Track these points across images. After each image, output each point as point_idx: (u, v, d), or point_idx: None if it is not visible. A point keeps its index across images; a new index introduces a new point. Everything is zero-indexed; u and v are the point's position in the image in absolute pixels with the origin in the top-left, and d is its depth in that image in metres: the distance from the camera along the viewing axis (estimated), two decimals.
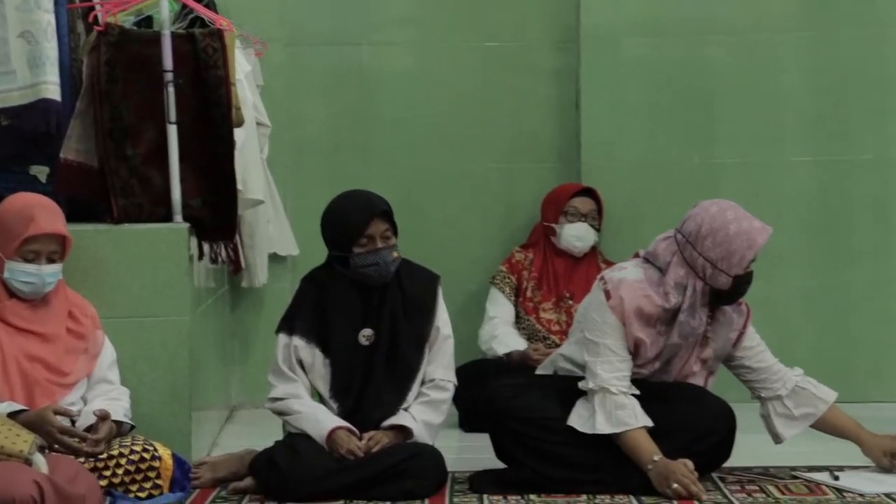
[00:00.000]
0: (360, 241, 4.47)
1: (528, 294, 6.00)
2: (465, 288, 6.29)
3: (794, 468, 4.65)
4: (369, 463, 4.35)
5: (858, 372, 6.22)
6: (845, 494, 4.29)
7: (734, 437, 4.45)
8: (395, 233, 4.53)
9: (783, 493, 4.32)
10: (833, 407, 4.54)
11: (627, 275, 4.45)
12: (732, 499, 4.27)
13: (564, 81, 6.32)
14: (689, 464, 4.30)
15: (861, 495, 4.29)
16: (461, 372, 5.60)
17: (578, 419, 4.40)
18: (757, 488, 4.39)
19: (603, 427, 4.35)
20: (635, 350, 4.42)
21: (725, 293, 4.41)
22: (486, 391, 4.59)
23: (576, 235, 5.99)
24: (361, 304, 4.52)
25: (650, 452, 4.31)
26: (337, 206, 4.55)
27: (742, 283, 4.41)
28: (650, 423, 4.36)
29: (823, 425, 4.58)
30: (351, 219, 4.49)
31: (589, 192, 6.07)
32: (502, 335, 5.92)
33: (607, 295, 4.40)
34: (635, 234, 5.99)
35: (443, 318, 4.58)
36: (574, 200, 6.01)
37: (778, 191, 6.22)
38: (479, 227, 6.36)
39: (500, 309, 6.00)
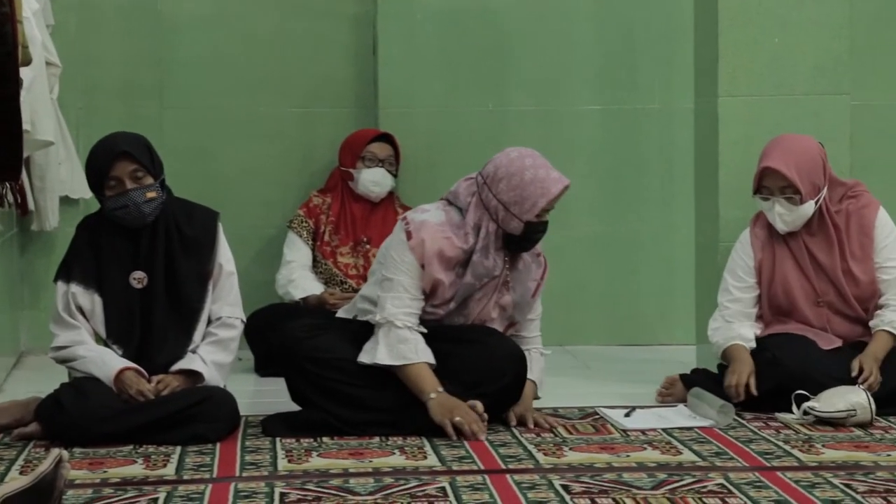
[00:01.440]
0: (109, 183, 4.42)
1: (326, 238, 6.01)
2: (263, 232, 6.28)
3: (593, 407, 4.76)
4: (159, 405, 4.31)
5: (645, 316, 6.38)
6: (630, 434, 4.40)
7: (524, 379, 4.52)
8: (154, 172, 4.45)
9: (570, 433, 4.40)
10: (530, 384, 4.58)
11: (430, 217, 4.47)
12: (521, 438, 4.33)
13: (362, 27, 6.33)
14: (479, 405, 4.36)
15: (643, 432, 4.41)
16: (258, 316, 5.66)
17: (364, 353, 4.44)
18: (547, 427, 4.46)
19: (384, 358, 4.38)
20: (432, 291, 4.46)
21: (517, 238, 4.47)
22: (281, 332, 4.58)
23: (373, 180, 6.01)
24: (131, 246, 4.47)
25: (432, 385, 4.36)
26: (90, 151, 4.50)
27: (534, 230, 4.46)
28: (432, 360, 4.40)
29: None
30: (96, 162, 4.44)
31: (386, 138, 6.09)
32: (299, 279, 5.92)
33: (408, 235, 4.43)
34: (432, 179, 6.05)
35: (225, 255, 4.54)
36: (371, 146, 6.03)
37: (569, 138, 6.32)
38: (276, 171, 6.33)
39: (297, 253, 6.00)
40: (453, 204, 4.53)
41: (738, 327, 4.83)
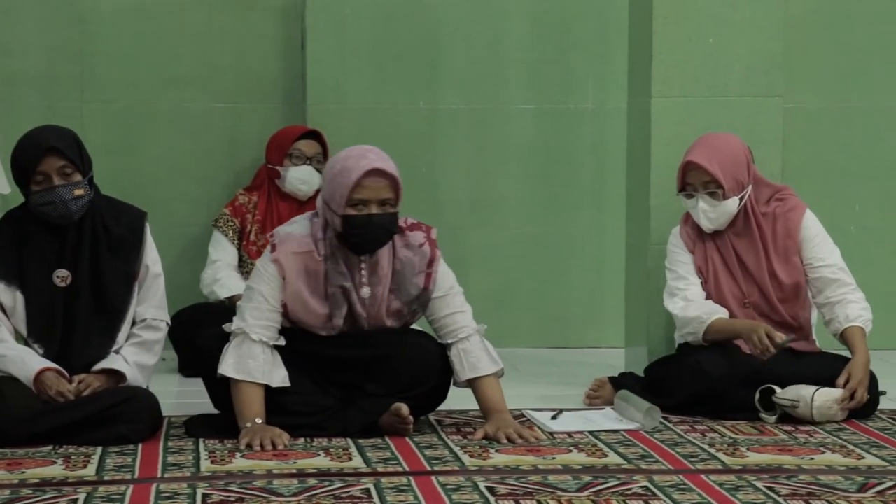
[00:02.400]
0: (36, 178, 4.33)
1: (252, 237, 5.95)
2: (188, 231, 6.21)
3: (521, 410, 4.72)
4: (80, 405, 4.24)
5: (575, 318, 6.38)
6: (555, 435, 4.38)
7: (449, 380, 4.47)
8: (83, 169, 4.36)
9: None
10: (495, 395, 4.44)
11: (294, 229, 4.37)
12: (447, 439, 4.31)
13: (290, 20, 6.27)
14: (404, 409, 4.30)
15: (570, 434, 4.39)
16: (182, 316, 5.59)
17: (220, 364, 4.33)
18: (472, 430, 4.42)
19: (228, 370, 4.28)
20: (308, 312, 4.33)
21: (344, 237, 4.31)
22: (196, 342, 4.51)
23: (300, 178, 5.95)
24: (56, 243, 4.39)
25: (255, 413, 4.24)
26: (18, 143, 4.40)
27: (353, 224, 4.26)
28: (276, 384, 4.29)
29: (477, 389, 4.47)
30: (24, 156, 4.35)
31: (314, 135, 6.03)
32: (224, 279, 5.87)
33: (272, 248, 4.33)
34: None
35: (152, 256, 4.48)
36: (299, 143, 5.97)
37: (501, 138, 6.31)
38: (201, 168, 6.27)
39: (222, 252, 5.94)
40: (318, 214, 4.39)
41: (706, 304, 4.76)
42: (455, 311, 4.45)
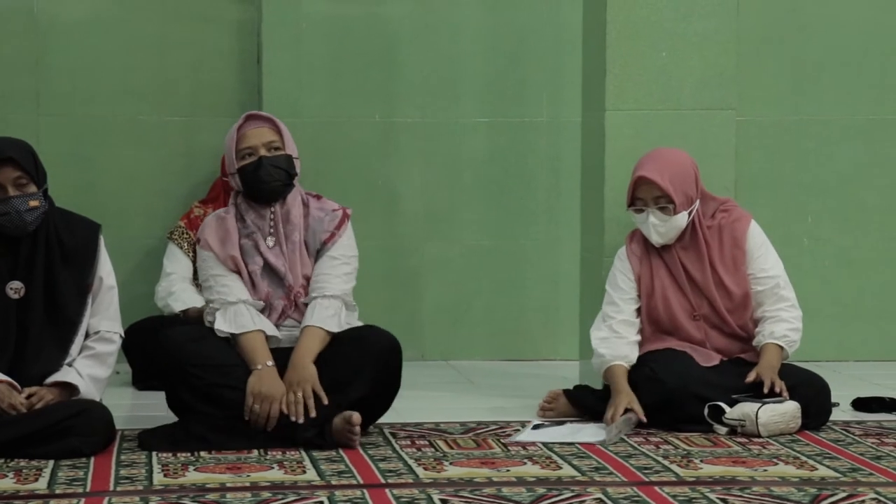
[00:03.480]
0: None
1: None
2: (143, 243, 6.19)
3: (477, 422, 4.74)
4: (32, 419, 4.22)
5: (530, 330, 6.38)
6: (510, 448, 4.37)
7: (399, 370, 4.52)
8: (38, 181, 4.36)
9: (451, 448, 4.38)
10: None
11: (212, 215, 4.65)
12: (401, 452, 4.30)
13: (246, 34, 6.26)
14: (355, 417, 4.31)
15: (525, 447, 4.38)
16: (137, 329, 5.56)
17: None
18: (427, 443, 4.43)
19: (221, 326, 4.47)
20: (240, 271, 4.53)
21: (247, 190, 4.53)
22: (161, 338, 4.51)
23: None
24: (9, 255, 4.37)
25: (264, 357, 4.44)
26: None
27: (247, 172, 4.51)
28: (269, 331, 4.48)
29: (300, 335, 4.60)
30: None
31: None
32: (179, 291, 5.84)
33: (198, 240, 4.59)
34: (317, 190, 5.93)
35: (105, 269, 4.48)
36: None
37: (455, 151, 6.32)
38: (157, 180, 6.24)
39: (177, 265, 5.92)
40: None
41: (623, 345, 4.83)
42: (333, 274, 4.57)
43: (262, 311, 4.53)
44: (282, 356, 4.48)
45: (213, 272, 4.55)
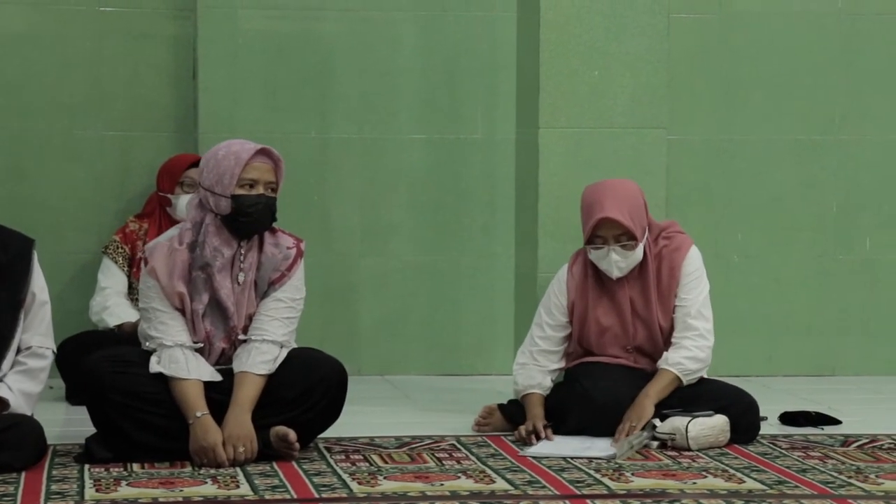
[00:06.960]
0: None
1: (142, 265, 5.91)
2: (77, 258, 6.16)
3: (413, 437, 4.75)
4: None
5: (466, 345, 6.40)
6: (445, 463, 4.39)
7: (345, 392, 4.53)
8: None
9: (386, 462, 4.39)
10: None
11: (161, 238, 4.52)
12: (336, 466, 4.31)
13: (181, 49, 6.25)
14: (291, 435, 4.33)
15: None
16: (70, 343, 5.53)
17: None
18: (361, 457, 4.44)
19: (156, 369, 4.39)
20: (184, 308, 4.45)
21: (233, 217, 4.42)
22: (85, 365, 4.47)
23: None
24: None
25: (197, 406, 4.36)
26: None
27: (245, 203, 4.41)
28: (205, 376, 4.41)
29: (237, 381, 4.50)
30: None
31: None
32: (114, 306, 5.83)
33: (145, 262, 4.47)
34: None
35: (39, 284, 4.45)
36: (190, 171, 5.95)
37: (392, 167, 6.33)
38: (92, 195, 6.22)
39: (112, 279, 5.90)
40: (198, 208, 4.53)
41: (538, 373, 4.87)
42: (276, 318, 4.51)
43: (200, 350, 4.46)
44: (226, 375, 4.47)
45: (154, 305, 4.45)
